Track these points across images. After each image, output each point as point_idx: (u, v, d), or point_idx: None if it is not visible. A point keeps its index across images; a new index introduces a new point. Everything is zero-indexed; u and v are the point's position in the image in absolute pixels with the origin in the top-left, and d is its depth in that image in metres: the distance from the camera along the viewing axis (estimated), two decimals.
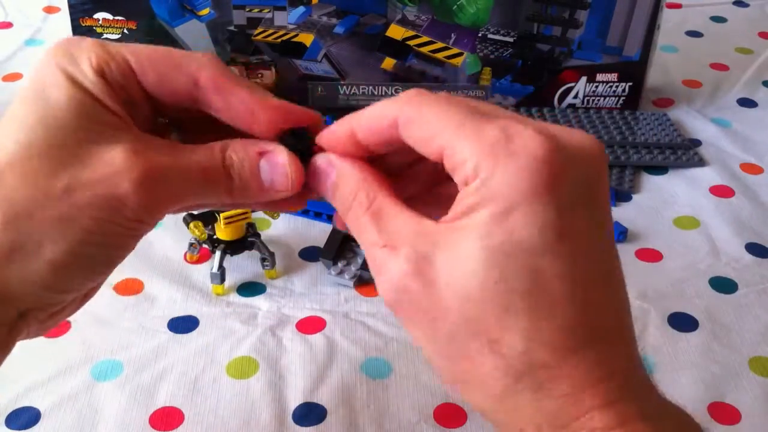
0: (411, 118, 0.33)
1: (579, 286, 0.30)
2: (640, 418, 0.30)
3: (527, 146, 0.30)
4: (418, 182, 0.38)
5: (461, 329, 0.31)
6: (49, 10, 1.05)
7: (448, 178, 0.33)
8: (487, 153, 0.31)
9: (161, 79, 0.35)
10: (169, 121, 0.39)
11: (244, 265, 0.67)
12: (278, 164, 0.36)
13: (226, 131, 0.37)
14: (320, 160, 0.36)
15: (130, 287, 0.65)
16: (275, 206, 0.39)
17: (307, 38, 0.83)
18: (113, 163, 0.33)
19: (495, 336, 0.30)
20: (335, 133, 0.36)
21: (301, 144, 0.37)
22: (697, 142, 0.85)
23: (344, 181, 0.36)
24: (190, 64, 0.35)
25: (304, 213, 0.72)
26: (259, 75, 0.83)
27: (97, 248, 0.34)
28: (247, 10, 0.81)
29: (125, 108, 0.35)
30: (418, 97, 0.34)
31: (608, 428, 0.30)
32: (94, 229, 0.33)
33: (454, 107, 0.33)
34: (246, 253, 0.66)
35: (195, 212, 0.64)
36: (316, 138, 0.37)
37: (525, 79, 0.86)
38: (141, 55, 0.35)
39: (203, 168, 0.35)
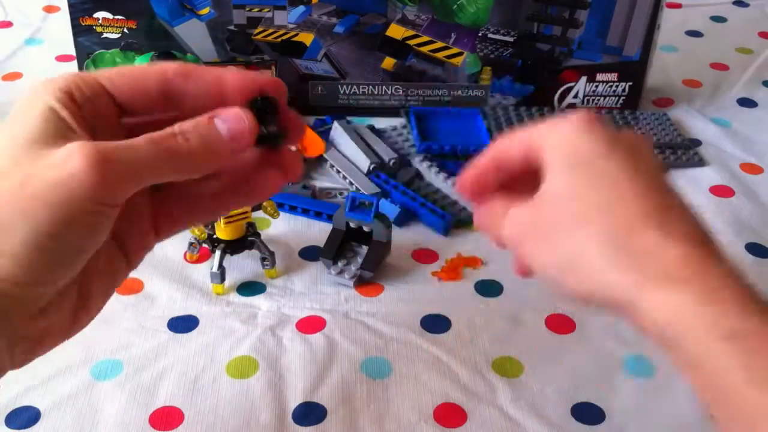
0: (534, 138, 0.44)
1: (638, 176, 0.40)
2: (716, 264, 0.38)
3: (573, 114, 0.42)
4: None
5: (567, 224, 0.40)
6: (49, 9, 1.05)
7: None
8: (549, 129, 0.43)
9: (133, 85, 0.39)
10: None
11: (244, 265, 0.67)
12: (231, 113, 0.39)
13: None
14: None
15: (130, 287, 0.65)
16: (262, 184, 0.41)
17: (307, 38, 0.83)
18: (63, 153, 0.35)
19: (588, 215, 0.40)
20: (479, 161, 0.46)
21: (267, 104, 0.39)
22: (697, 142, 0.85)
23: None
24: (154, 66, 0.39)
25: (304, 213, 0.72)
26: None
27: (61, 239, 0.35)
28: (247, 9, 0.81)
29: (92, 124, 0.37)
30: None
31: (690, 274, 0.37)
32: (54, 217, 0.34)
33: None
34: (246, 252, 0.66)
35: None
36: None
37: (525, 78, 0.86)
38: (111, 73, 0.39)
39: (155, 139, 0.37)
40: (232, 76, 0.39)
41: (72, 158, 0.34)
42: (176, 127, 0.37)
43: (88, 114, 0.37)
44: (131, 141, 0.36)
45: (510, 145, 0.44)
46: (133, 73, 0.39)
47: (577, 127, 0.42)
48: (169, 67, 0.39)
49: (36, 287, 0.36)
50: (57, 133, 0.36)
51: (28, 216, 0.34)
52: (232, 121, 0.38)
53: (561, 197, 0.41)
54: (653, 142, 0.82)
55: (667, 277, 0.38)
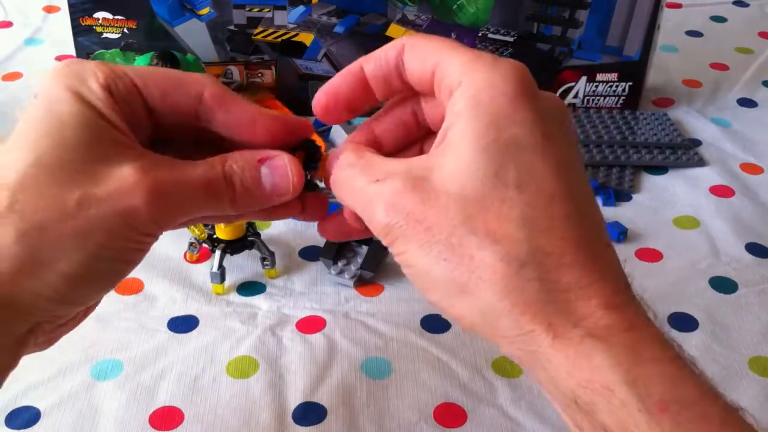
0: (415, 44, 0.36)
1: (569, 185, 0.32)
2: (647, 324, 0.31)
3: (510, 62, 0.34)
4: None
5: (460, 228, 0.31)
6: (49, 9, 1.05)
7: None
8: (473, 61, 0.33)
9: (165, 96, 0.36)
10: (165, 143, 0.40)
11: (244, 265, 0.67)
12: (279, 166, 0.37)
13: (219, 152, 0.38)
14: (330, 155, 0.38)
15: (130, 287, 0.65)
16: (280, 213, 0.40)
17: (307, 38, 0.83)
18: (124, 180, 0.33)
19: (494, 227, 0.31)
20: (347, 70, 0.38)
21: (313, 152, 0.38)
22: (697, 142, 0.85)
23: (337, 152, 0.37)
24: (192, 82, 0.37)
25: None
26: (259, 74, 0.83)
27: (108, 262, 0.35)
28: (247, 9, 0.81)
29: (129, 125, 0.35)
30: (423, 34, 0.37)
31: (617, 329, 0.31)
32: (107, 243, 0.34)
33: (451, 41, 0.35)
34: (246, 252, 0.66)
35: None
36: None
37: None
38: (144, 75, 0.36)
39: (206, 180, 0.36)
40: (266, 118, 0.37)
41: (135, 191, 0.33)
42: (227, 168, 0.36)
43: (127, 113, 0.35)
44: (189, 178, 0.35)
45: (411, 60, 0.36)
46: (168, 81, 0.36)
47: (511, 87, 0.32)
48: (208, 87, 0.36)
49: (75, 306, 0.36)
50: (107, 139, 0.34)
51: (85, 240, 0.33)
52: (278, 175, 0.37)
53: (464, 190, 0.32)
54: (653, 142, 0.82)
55: (589, 329, 0.31)
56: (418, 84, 0.36)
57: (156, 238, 0.36)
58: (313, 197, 0.40)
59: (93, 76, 0.35)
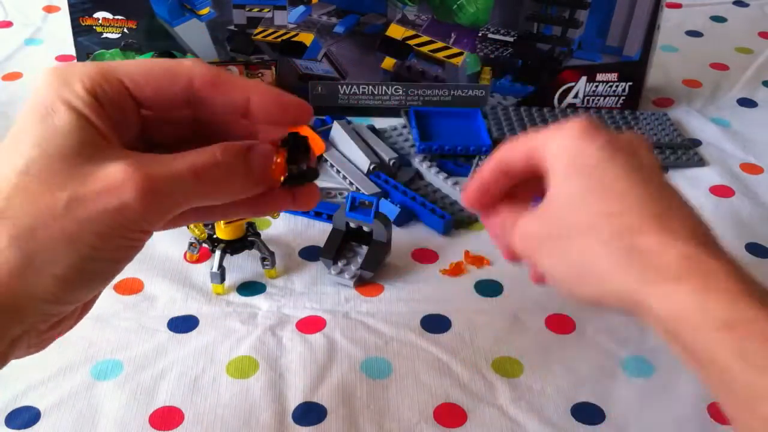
0: (535, 145, 0.45)
1: (639, 180, 0.41)
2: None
3: (572, 121, 0.43)
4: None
5: (574, 233, 0.42)
6: (49, 9, 1.05)
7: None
8: (550, 137, 0.44)
9: (158, 89, 0.37)
10: (158, 146, 0.40)
11: (244, 265, 0.67)
12: (263, 154, 0.39)
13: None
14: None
15: (130, 287, 0.65)
16: (271, 205, 0.41)
17: (307, 38, 0.83)
18: (113, 177, 0.34)
19: (594, 221, 0.41)
20: (483, 171, 0.47)
21: (299, 144, 0.39)
22: (697, 142, 0.85)
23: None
24: (181, 68, 0.37)
25: (305, 213, 0.72)
26: (259, 74, 0.83)
27: (101, 262, 0.35)
28: (247, 9, 0.81)
29: (117, 128, 0.36)
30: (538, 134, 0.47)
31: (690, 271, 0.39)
32: (99, 243, 0.34)
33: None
34: (246, 252, 0.66)
35: None
36: None
37: (525, 78, 0.86)
38: (134, 71, 0.37)
39: (195, 168, 0.36)
40: (260, 95, 0.38)
41: (125, 187, 0.34)
42: (218, 155, 0.37)
43: (113, 115, 0.36)
44: (176, 169, 0.36)
45: (512, 154, 0.46)
46: (158, 75, 0.37)
47: (577, 134, 0.43)
48: (198, 73, 0.37)
49: (68, 306, 0.36)
50: (93, 143, 0.35)
51: (75, 241, 0.34)
52: (261, 160, 0.38)
53: (566, 206, 0.42)
54: (653, 142, 0.82)
55: (669, 275, 0.39)
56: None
57: (149, 234, 0.36)
58: (305, 188, 0.41)
59: (79, 81, 0.35)
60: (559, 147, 0.43)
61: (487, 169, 0.47)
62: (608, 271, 0.40)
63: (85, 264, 0.34)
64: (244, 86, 0.38)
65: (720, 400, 0.38)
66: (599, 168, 0.42)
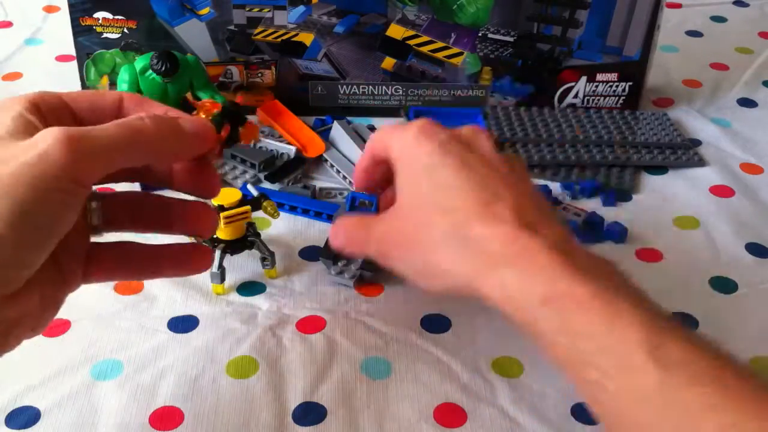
0: (389, 144, 0.51)
1: (470, 176, 0.45)
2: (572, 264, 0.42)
3: (411, 124, 0.49)
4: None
5: (416, 232, 0.46)
6: (49, 9, 1.05)
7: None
8: (395, 137, 0.50)
9: (92, 103, 0.44)
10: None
11: (244, 265, 0.67)
12: (196, 118, 0.45)
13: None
14: None
15: (130, 287, 0.65)
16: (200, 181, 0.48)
17: (307, 38, 0.83)
18: (36, 137, 0.38)
19: (432, 220, 0.46)
20: (361, 160, 0.54)
21: (233, 109, 0.50)
22: (697, 142, 0.85)
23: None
24: (111, 93, 0.45)
25: (305, 213, 0.72)
26: (259, 74, 0.83)
27: (38, 216, 0.37)
28: (247, 9, 0.81)
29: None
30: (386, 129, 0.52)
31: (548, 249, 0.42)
32: (31, 194, 0.36)
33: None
34: (246, 252, 0.66)
35: None
36: None
37: (525, 78, 0.86)
38: (71, 93, 0.45)
39: (122, 122, 0.41)
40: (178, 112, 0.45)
41: (44, 139, 0.37)
42: (142, 113, 0.42)
43: (52, 122, 0.41)
44: (100, 125, 0.40)
45: (377, 146, 0.51)
46: (92, 93, 0.46)
47: (412, 139, 0.47)
48: (125, 95, 0.45)
49: (8, 269, 0.37)
50: (27, 129, 0.39)
51: (8, 194, 0.36)
52: (195, 121, 0.44)
53: (408, 207, 0.47)
54: (653, 142, 0.82)
55: (497, 260, 0.42)
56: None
57: (83, 186, 0.38)
58: (198, 213, 0.49)
59: (24, 98, 0.41)
60: (400, 150, 0.48)
61: (364, 156, 0.52)
62: (449, 265, 0.44)
63: (21, 219, 0.36)
64: (162, 109, 0.45)
65: (566, 374, 0.41)
66: (432, 170, 0.46)
